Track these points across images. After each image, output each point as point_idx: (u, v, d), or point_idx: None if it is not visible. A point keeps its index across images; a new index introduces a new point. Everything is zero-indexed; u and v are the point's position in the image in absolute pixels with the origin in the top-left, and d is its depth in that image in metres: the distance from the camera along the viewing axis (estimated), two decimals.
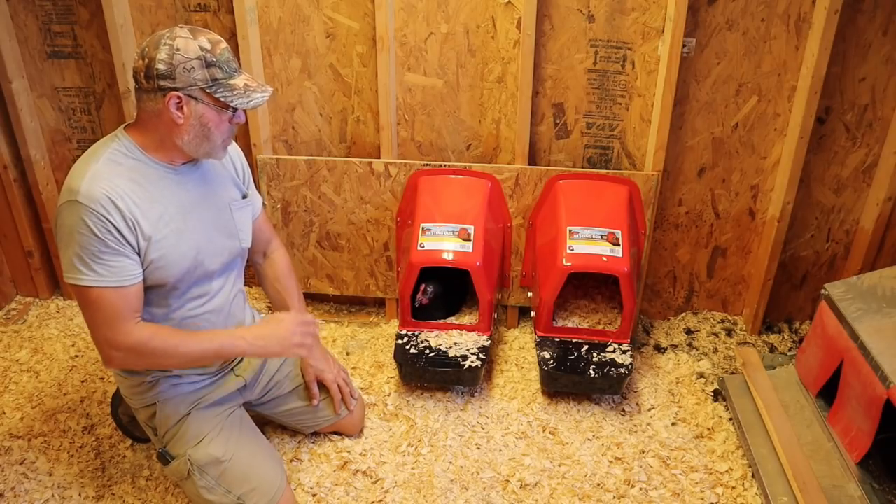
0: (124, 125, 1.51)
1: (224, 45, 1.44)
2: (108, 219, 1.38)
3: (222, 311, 1.66)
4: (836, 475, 1.70)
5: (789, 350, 2.34)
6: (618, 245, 2.06)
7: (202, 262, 1.57)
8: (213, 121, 1.44)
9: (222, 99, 1.42)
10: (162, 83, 1.38)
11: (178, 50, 1.38)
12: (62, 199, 1.40)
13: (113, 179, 1.41)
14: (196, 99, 1.41)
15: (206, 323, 1.62)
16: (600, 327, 2.16)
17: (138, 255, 1.45)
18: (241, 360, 1.78)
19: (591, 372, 2.00)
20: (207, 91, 1.41)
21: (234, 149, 1.72)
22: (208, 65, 1.40)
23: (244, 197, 1.70)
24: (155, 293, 1.53)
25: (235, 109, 1.46)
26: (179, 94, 1.39)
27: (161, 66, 1.37)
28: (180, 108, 1.41)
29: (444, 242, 2.09)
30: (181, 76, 1.38)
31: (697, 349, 2.35)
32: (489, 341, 2.12)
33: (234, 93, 1.43)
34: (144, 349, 1.46)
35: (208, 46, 1.40)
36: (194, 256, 1.54)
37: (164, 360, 1.51)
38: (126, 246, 1.42)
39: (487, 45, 2.14)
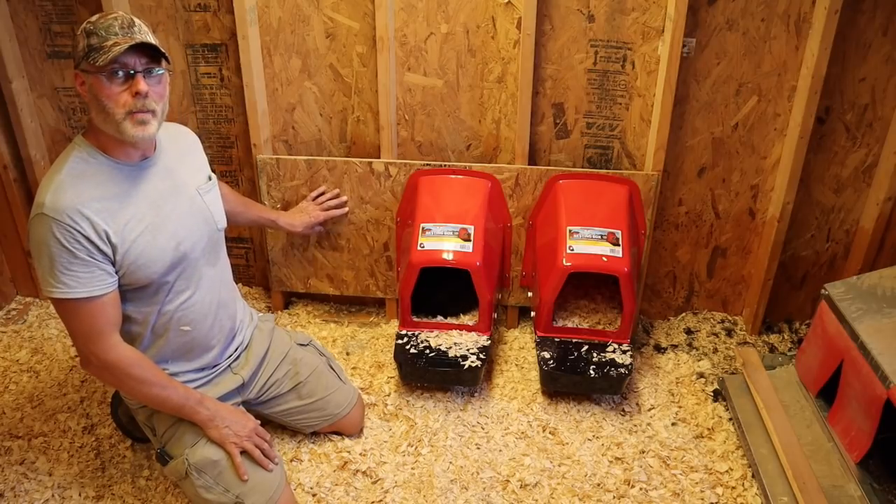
0: (83, 131, 1.50)
1: (115, 16, 1.40)
2: (76, 229, 1.38)
3: (213, 300, 1.67)
4: (836, 475, 1.70)
5: (789, 350, 2.34)
6: (618, 245, 2.06)
7: (185, 253, 1.57)
8: (103, 92, 1.38)
9: (92, 62, 1.37)
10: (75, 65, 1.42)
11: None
12: (32, 214, 1.40)
13: (78, 188, 1.41)
14: (86, 72, 1.39)
15: (197, 315, 1.62)
16: (600, 327, 2.16)
17: (112, 262, 1.45)
18: (238, 357, 1.78)
19: (591, 372, 2.00)
20: (88, 61, 1.38)
21: (188, 133, 1.73)
22: (87, 34, 1.38)
23: (209, 179, 1.71)
24: (143, 291, 1.53)
25: (110, 71, 1.37)
26: (77, 71, 1.40)
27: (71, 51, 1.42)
28: (83, 86, 1.41)
29: (444, 242, 2.09)
30: (75, 53, 1.40)
31: (697, 349, 2.35)
32: (489, 341, 2.12)
33: (101, 51, 1.36)
34: (122, 372, 1.48)
35: (94, 18, 1.40)
36: (175, 247, 1.54)
37: (135, 388, 1.52)
38: (97, 254, 1.42)
39: (487, 45, 2.14)
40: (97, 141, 1.47)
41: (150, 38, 1.42)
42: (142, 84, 1.40)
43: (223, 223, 1.72)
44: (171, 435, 1.63)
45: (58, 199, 1.38)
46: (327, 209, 2.26)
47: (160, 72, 1.44)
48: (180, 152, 1.65)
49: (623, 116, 2.19)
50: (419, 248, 2.09)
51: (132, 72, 1.39)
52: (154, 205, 1.52)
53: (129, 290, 1.51)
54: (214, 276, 1.68)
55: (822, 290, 1.90)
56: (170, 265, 1.54)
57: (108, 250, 1.43)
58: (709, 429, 2.01)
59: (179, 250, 1.55)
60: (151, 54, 1.42)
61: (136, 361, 1.51)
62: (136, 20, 1.43)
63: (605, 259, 2.03)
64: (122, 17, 1.41)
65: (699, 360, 2.29)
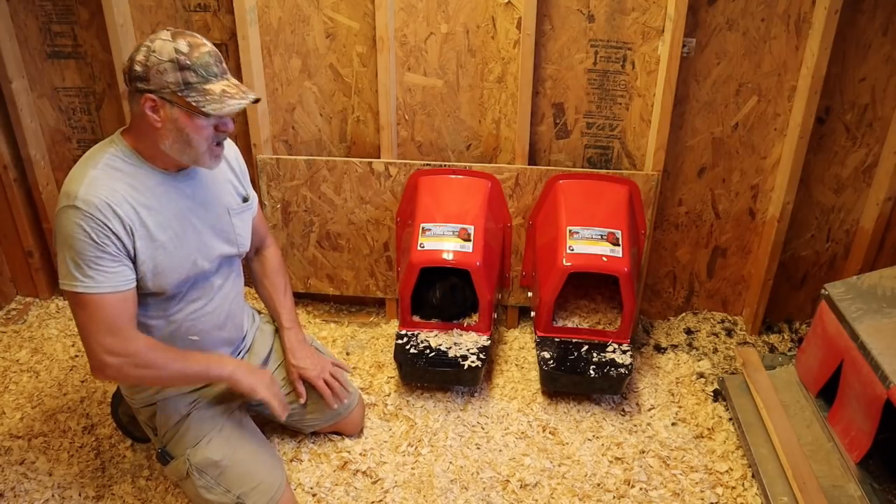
0: (121, 130, 1.49)
1: (206, 48, 1.40)
2: (106, 225, 1.37)
3: (222, 311, 1.66)
4: (836, 475, 1.70)
5: (789, 350, 2.34)
6: (618, 245, 2.06)
7: (202, 268, 1.57)
8: (189, 126, 1.40)
9: (194, 104, 1.38)
10: (138, 85, 1.37)
11: (153, 52, 1.36)
12: (60, 204, 1.39)
13: (111, 185, 1.40)
14: (170, 102, 1.38)
15: (206, 325, 1.62)
16: (600, 327, 2.16)
17: (134, 261, 1.44)
18: (242, 359, 1.78)
19: (591, 372, 2.00)
20: (179, 95, 1.38)
21: (233, 151, 1.71)
22: (182, 68, 1.37)
23: (245, 200, 1.70)
24: (154, 298, 1.53)
25: (209, 115, 1.40)
26: (153, 96, 1.37)
27: (137, 68, 1.36)
28: (156, 111, 1.39)
29: (444, 242, 2.09)
30: (154, 78, 1.36)
31: (697, 349, 2.35)
32: (489, 341, 2.12)
33: (207, 98, 1.38)
34: (142, 359, 1.46)
35: (185, 49, 1.37)
36: (193, 261, 1.54)
37: (158, 372, 1.49)
38: (123, 252, 1.41)
39: (487, 45, 2.14)
40: (135, 143, 1.46)
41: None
42: (231, 126, 1.44)
43: (246, 247, 1.70)
44: (173, 435, 1.63)
45: (90, 192, 1.37)
46: (321, 380, 1.81)
47: None
48: (219, 168, 1.63)
49: (623, 116, 2.19)
50: (419, 248, 2.09)
51: None
52: (181, 217, 1.51)
53: (141, 296, 1.50)
54: (226, 290, 1.67)
55: (822, 290, 1.90)
56: (185, 278, 1.54)
57: (133, 249, 1.43)
58: (709, 429, 2.01)
59: (197, 265, 1.55)
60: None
61: (153, 344, 1.49)
62: (214, 48, 1.43)
63: (605, 259, 2.03)
64: (210, 49, 1.41)
65: (699, 360, 2.29)
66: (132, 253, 1.43)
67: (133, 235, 1.42)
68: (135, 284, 1.46)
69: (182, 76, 1.37)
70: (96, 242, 1.37)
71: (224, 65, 1.44)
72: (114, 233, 1.39)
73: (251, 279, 1.91)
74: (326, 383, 1.82)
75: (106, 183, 1.40)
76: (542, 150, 2.27)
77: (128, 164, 1.45)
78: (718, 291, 2.46)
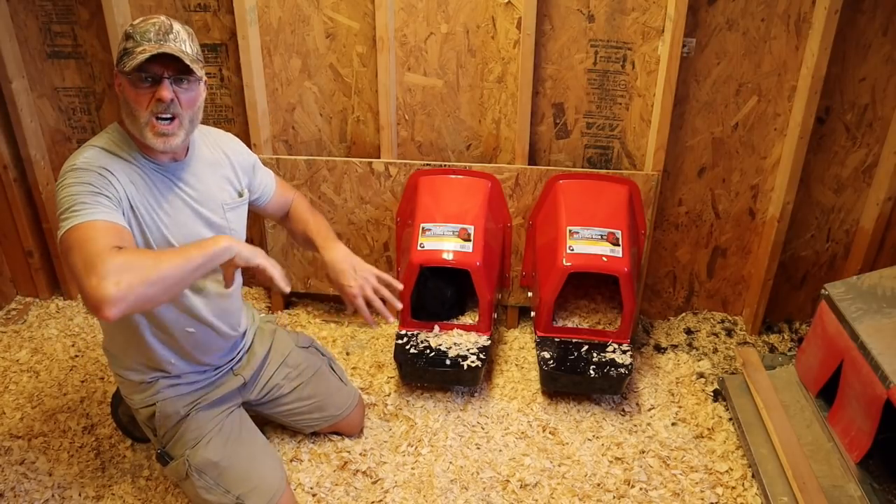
0: (119, 120, 1.49)
1: (154, 20, 1.39)
2: (104, 177, 1.37)
3: (214, 308, 1.65)
4: (836, 475, 1.70)
5: (789, 350, 2.34)
6: (618, 245, 2.06)
7: None
8: (130, 95, 1.39)
9: (122, 66, 1.38)
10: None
11: None
12: (61, 176, 1.37)
13: (110, 161, 1.41)
14: (119, 72, 1.40)
15: (198, 317, 1.61)
16: (600, 327, 2.16)
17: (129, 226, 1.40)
18: (241, 359, 1.78)
19: (591, 372, 2.00)
20: (121, 62, 1.39)
21: (231, 146, 1.69)
22: (126, 37, 1.39)
23: (240, 195, 1.69)
24: None
25: (127, 73, 1.37)
26: (116, 69, 1.41)
27: None
28: (120, 87, 1.42)
29: (444, 242, 2.09)
30: (117, 52, 1.41)
31: (697, 349, 2.35)
32: (489, 341, 2.12)
33: (130, 57, 1.36)
34: (134, 261, 1.25)
35: (137, 21, 1.40)
36: None
37: (156, 269, 1.26)
38: (119, 207, 1.37)
39: (487, 45, 2.14)
40: (127, 129, 1.46)
41: (186, 47, 1.40)
42: (165, 91, 1.38)
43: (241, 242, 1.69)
44: (172, 436, 1.63)
45: (91, 159, 1.38)
46: (371, 300, 1.70)
47: (191, 80, 1.42)
48: (216, 162, 1.63)
49: (623, 116, 2.19)
50: (419, 247, 2.09)
51: (159, 77, 1.38)
52: (172, 209, 1.50)
53: None
54: (219, 287, 1.66)
55: (822, 290, 1.90)
56: None
57: (129, 211, 1.41)
58: (709, 429, 2.01)
59: None
60: (183, 62, 1.39)
61: (139, 249, 1.40)
62: (176, 25, 1.41)
63: (605, 259, 2.03)
64: (162, 22, 1.40)
65: (699, 360, 2.29)
66: (127, 214, 1.40)
67: (129, 200, 1.41)
68: (130, 232, 1.38)
69: (124, 44, 1.39)
70: (93, 185, 1.35)
71: (170, 36, 1.38)
72: (112, 185, 1.37)
73: (291, 237, 1.87)
74: (369, 301, 1.69)
75: (104, 158, 1.40)
76: (542, 150, 2.27)
77: (123, 149, 1.45)
78: (718, 291, 2.46)
